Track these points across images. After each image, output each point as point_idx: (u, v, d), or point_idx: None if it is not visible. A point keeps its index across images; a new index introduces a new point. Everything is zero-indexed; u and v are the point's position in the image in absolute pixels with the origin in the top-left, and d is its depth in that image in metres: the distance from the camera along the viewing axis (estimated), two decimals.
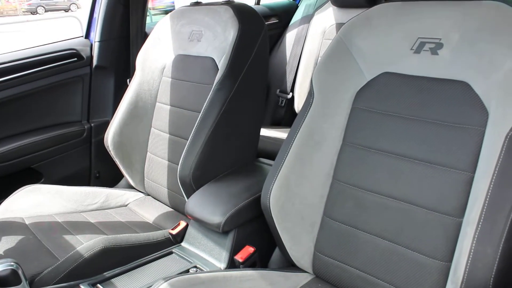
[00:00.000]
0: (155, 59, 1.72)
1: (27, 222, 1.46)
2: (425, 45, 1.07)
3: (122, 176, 1.87)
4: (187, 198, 1.41)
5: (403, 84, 1.09)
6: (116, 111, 1.72)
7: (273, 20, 2.69)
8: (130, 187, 1.83)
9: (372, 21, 1.16)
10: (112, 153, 1.71)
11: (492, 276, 0.83)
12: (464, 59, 1.00)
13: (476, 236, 0.86)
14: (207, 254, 1.31)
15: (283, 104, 2.51)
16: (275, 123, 2.55)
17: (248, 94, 1.49)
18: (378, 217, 1.06)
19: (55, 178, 2.00)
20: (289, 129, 1.23)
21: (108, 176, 2.14)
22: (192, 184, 1.40)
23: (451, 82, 1.01)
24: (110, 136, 1.70)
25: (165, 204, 1.69)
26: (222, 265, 1.26)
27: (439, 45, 1.05)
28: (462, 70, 1.00)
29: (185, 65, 1.62)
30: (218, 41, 1.52)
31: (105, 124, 1.94)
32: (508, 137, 0.88)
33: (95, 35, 2.07)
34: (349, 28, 1.20)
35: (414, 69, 1.08)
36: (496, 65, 0.95)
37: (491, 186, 0.87)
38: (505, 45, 0.94)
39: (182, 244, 1.38)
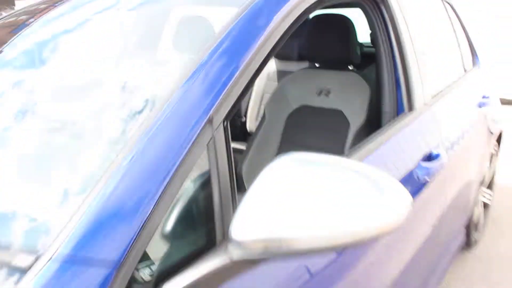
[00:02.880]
0: None
1: None
2: (322, 91, 2.15)
3: None
4: None
5: (312, 111, 2.15)
6: None
7: None
8: None
9: (296, 79, 2.24)
10: None
11: None
12: (341, 99, 2.08)
13: None
14: None
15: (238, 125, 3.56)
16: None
17: None
18: None
19: None
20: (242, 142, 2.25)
21: None
22: None
23: (335, 110, 2.08)
24: None
25: None
26: None
27: (329, 92, 2.13)
28: (340, 104, 2.08)
29: None
30: None
31: None
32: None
33: None
34: (285, 81, 2.26)
35: (317, 103, 2.15)
36: (353, 102, 2.03)
37: None
38: (355, 93, 2.04)
39: None
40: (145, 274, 0.76)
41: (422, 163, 1.60)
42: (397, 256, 1.52)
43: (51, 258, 0.70)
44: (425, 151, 1.66)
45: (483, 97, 2.58)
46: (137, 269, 0.75)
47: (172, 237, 0.82)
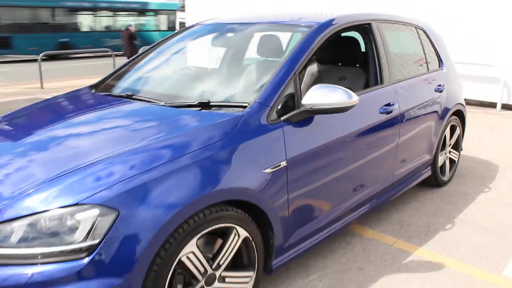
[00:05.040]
0: None
1: None
2: (341, 78, 3.95)
3: None
4: None
5: None
6: None
7: None
8: None
9: (327, 72, 4.06)
10: None
11: None
12: (351, 82, 3.87)
13: None
14: None
15: None
16: None
17: None
18: None
19: None
20: None
21: None
22: None
23: (348, 88, 3.88)
24: None
25: None
26: None
27: (345, 78, 3.93)
28: (351, 84, 3.86)
29: None
30: None
31: None
32: None
33: None
34: (322, 73, 4.08)
35: (339, 85, 3.94)
36: (357, 83, 3.83)
37: None
38: (358, 78, 3.83)
39: None
40: (276, 112, 2.62)
41: (384, 107, 3.40)
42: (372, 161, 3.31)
43: (255, 102, 2.59)
44: (386, 102, 3.46)
45: (439, 85, 4.33)
46: (276, 109, 2.64)
47: (286, 103, 2.71)
